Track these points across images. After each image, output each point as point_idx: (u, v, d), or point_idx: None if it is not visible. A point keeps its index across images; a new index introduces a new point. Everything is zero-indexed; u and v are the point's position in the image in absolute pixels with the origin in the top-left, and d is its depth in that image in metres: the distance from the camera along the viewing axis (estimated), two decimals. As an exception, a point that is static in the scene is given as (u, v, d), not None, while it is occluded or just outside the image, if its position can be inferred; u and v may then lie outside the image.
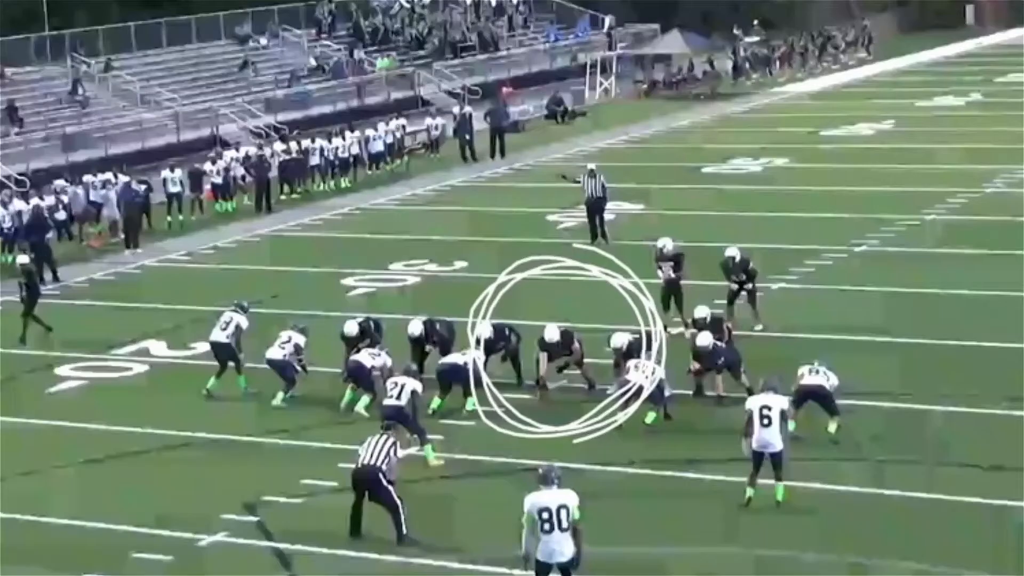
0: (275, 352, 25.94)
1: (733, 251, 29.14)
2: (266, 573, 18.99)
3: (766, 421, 19.99)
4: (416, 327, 26.30)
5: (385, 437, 19.67)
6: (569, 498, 16.16)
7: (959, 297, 31.22)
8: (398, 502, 19.32)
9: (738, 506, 20.18)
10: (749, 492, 20.24)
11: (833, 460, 21.71)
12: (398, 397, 22.48)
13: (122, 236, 40.33)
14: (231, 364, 26.50)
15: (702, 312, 25.88)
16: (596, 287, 30.93)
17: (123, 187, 40.94)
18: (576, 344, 25.64)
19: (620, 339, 25.06)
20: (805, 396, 22.64)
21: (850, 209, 40.38)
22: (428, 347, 26.28)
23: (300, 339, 26.15)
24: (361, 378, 25.07)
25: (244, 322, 26.65)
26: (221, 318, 26.84)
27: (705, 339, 24.72)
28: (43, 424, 25.41)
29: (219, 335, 26.60)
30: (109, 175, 42.46)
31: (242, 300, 27.42)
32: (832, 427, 22.71)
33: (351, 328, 26.50)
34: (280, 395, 25.69)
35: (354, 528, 19.58)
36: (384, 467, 19.33)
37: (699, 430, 23.56)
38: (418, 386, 22.77)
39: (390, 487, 19.33)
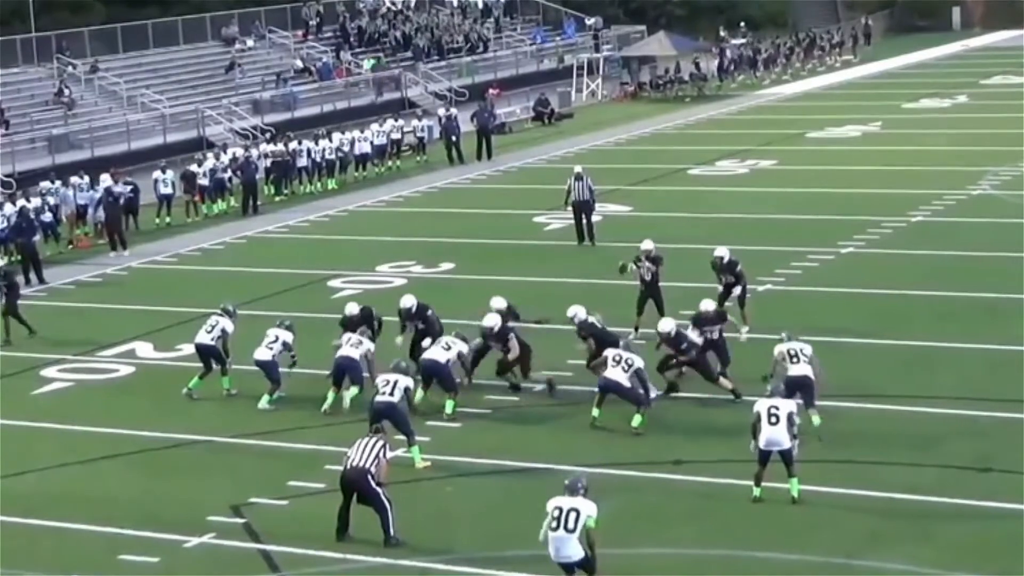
0: (263, 353, 25.92)
1: (722, 251, 29.12)
2: (252, 574, 18.97)
3: (774, 419, 20.25)
4: (409, 300, 26.48)
5: (375, 439, 19.67)
6: (583, 505, 16.85)
7: (946, 298, 31.27)
8: (387, 504, 19.31)
9: (745, 504, 20.31)
10: (756, 491, 20.39)
11: (819, 461, 21.72)
12: (391, 394, 22.44)
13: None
14: (216, 366, 26.48)
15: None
16: (580, 288, 30.97)
17: (104, 190, 40.74)
18: (513, 340, 25.59)
19: (575, 309, 25.39)
20: (794, 388, 22.71)
21: (837, 211, 40.44)
22: (409, 324, 26.34)
23: (287, 336, 26.14)
24: (351, 371, 25.13)
25: (229, 326, 26.59)
26: (208, 321, 26.83)
27: (667, 324, 24.89)
28: (29, 426, 25.37)
29: (204, 337, 26.58)
30: (88, 178, 42.36)
31: (228, 304, 27.38)
32: (816, 420, 22.82)
33: (352, 309, 26.74)
34: (266, 397, 25.67)
35: (341, 529, 19.57)
36: (373, 469, 19.33)
37: (687, 431, 23.57)
38: (410, 382, 22.89)
39: (379, 488, 19.33)
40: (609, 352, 24.14)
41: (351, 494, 19.52)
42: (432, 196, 46.87)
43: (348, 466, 19.51)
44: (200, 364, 26.56)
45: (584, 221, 37.67)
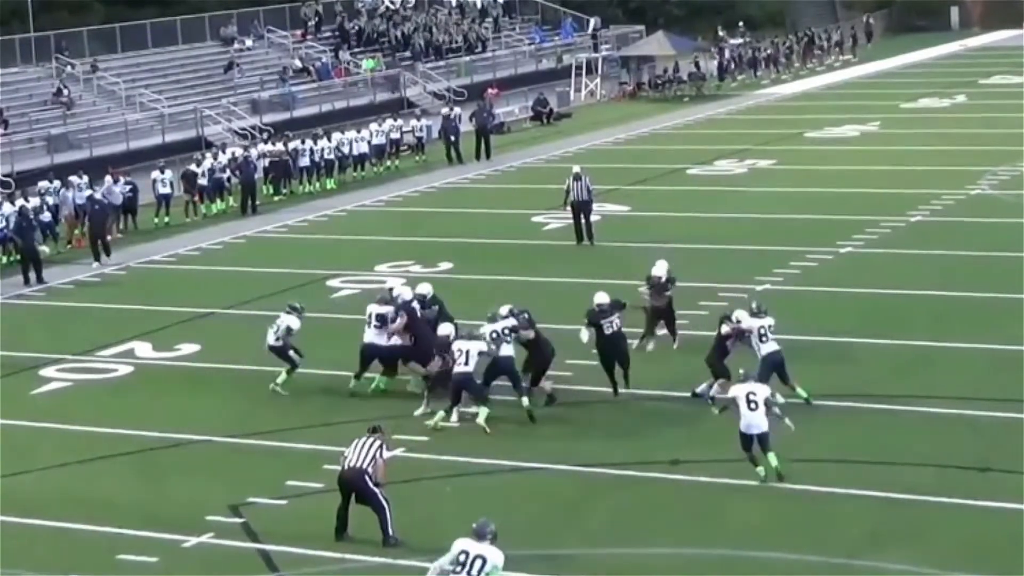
0: (372, 336, 25.95)
1: (660, 269, 27.70)
2: (251, 574, 18.97)
3: (753, 405, 20.96)
4: (426, 287, 26.74)
5: (372, 439, 19.68)
6: (490, 553, 16.08)
7: (945, 298, 31.27)
8: (384, 504, 19.33)
9: (745, 504, 20.36)
10: (761, 471, 20.92)
11: (817, 461, 21.74)
12: (466, 363, 23.43)
13: (115, 234, 40.28)
14: (296, 360, 26.27)
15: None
16: (579, 288, 30.89)
17: (87, 198, 40.21)
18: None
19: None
20: (771, 367, 23.39)
21: (835, 210, 40.44)
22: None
23: (384, 309, 26.03)
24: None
25: (295, 323, 26.30)
26: (275, 321, 26.60)
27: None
28: (28, 426, 25.36)
29: (270, 338, 26.35)
30: (87, 178, 42.32)
31: (294, 301, 27.10)
32: (800, 391, 23.73)
33: (425, 288, 26.99)
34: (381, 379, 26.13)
35: (340, 529, 19.57)
36: (370, 469, 19.35)
37: (686, 431, 23.56)
38: (482, 346, 23.71)
39: (376, 489, 19.33)
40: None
41: (349, 494, 19.54)
42: (431, 196, 46.86)
43: (345, 466, 19.53)
44: (212, 365, 26.46)
45: (583, 221, 37.67)
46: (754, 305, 24.80)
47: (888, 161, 48.51)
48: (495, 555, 16.04)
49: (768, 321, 24.22)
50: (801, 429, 22.93)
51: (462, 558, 16.09)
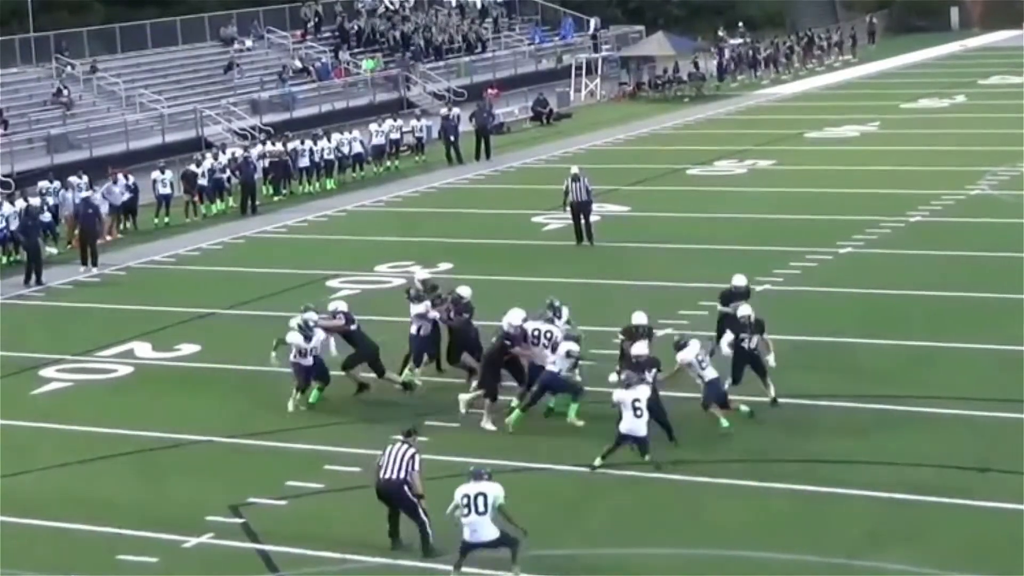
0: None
1: (640, 317, 25.06)
2: (251, 574, 18.96)
3: (639, 412, 21.55)
4: (466, 290, 26.63)
5: (404, 447, 19.26)
6: (489, 488, 17.65)
7: (944, 299, 31.28)
8: (424, 518, 18.98)
9: (744, 504, 20.32)
10: (598, 461, 21.72)
11: (817, 461, 21.75)
12: (553, 362, 23.68)
13: (114, 235, 40.27)
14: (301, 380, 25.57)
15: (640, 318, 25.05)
16: (578, 288, 30.83)
17: (81, 200, 40.12)
18: None
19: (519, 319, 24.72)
20: (715, 392, 23.41)
21: (835, 211, 40.43)
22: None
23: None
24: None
25: (296, 339, 25.29)
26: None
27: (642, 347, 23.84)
28: (28, 426, 25.36)
29: (290, 355, 25.73)
30: (87, 178, 42.33)
31: (296, 317, 25.95)
32: (744, 408, 23.67)
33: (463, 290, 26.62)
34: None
35: (393, 534, 19.24)
36: (408, 479, 19.04)
37: (687, 431, 23.52)
38: (574, 347, 23.81)
39: (416, 500, 19.01)
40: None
41: (389, 505, 19.26)
42: (431, 196, 46.86)
43: (382, 477, 19.13)
44: (202, 364, 26.31)
45: (582, 221, 37.67)
46: (676, 337, 24.26)
47: (888, 161, 48.51)
48: (495, 489, 17.60)
49: (696, 350, 23.41)
50: (801, 429, 23.01)
51: (464, 501, 17.53)
